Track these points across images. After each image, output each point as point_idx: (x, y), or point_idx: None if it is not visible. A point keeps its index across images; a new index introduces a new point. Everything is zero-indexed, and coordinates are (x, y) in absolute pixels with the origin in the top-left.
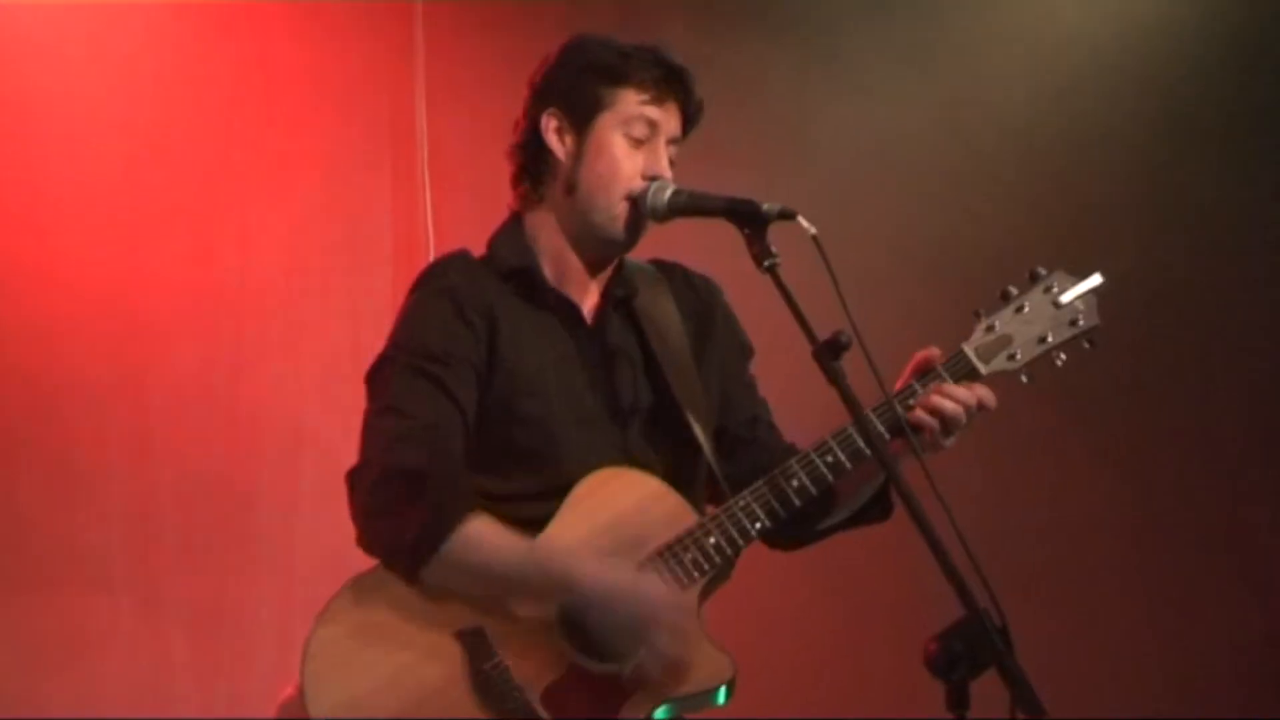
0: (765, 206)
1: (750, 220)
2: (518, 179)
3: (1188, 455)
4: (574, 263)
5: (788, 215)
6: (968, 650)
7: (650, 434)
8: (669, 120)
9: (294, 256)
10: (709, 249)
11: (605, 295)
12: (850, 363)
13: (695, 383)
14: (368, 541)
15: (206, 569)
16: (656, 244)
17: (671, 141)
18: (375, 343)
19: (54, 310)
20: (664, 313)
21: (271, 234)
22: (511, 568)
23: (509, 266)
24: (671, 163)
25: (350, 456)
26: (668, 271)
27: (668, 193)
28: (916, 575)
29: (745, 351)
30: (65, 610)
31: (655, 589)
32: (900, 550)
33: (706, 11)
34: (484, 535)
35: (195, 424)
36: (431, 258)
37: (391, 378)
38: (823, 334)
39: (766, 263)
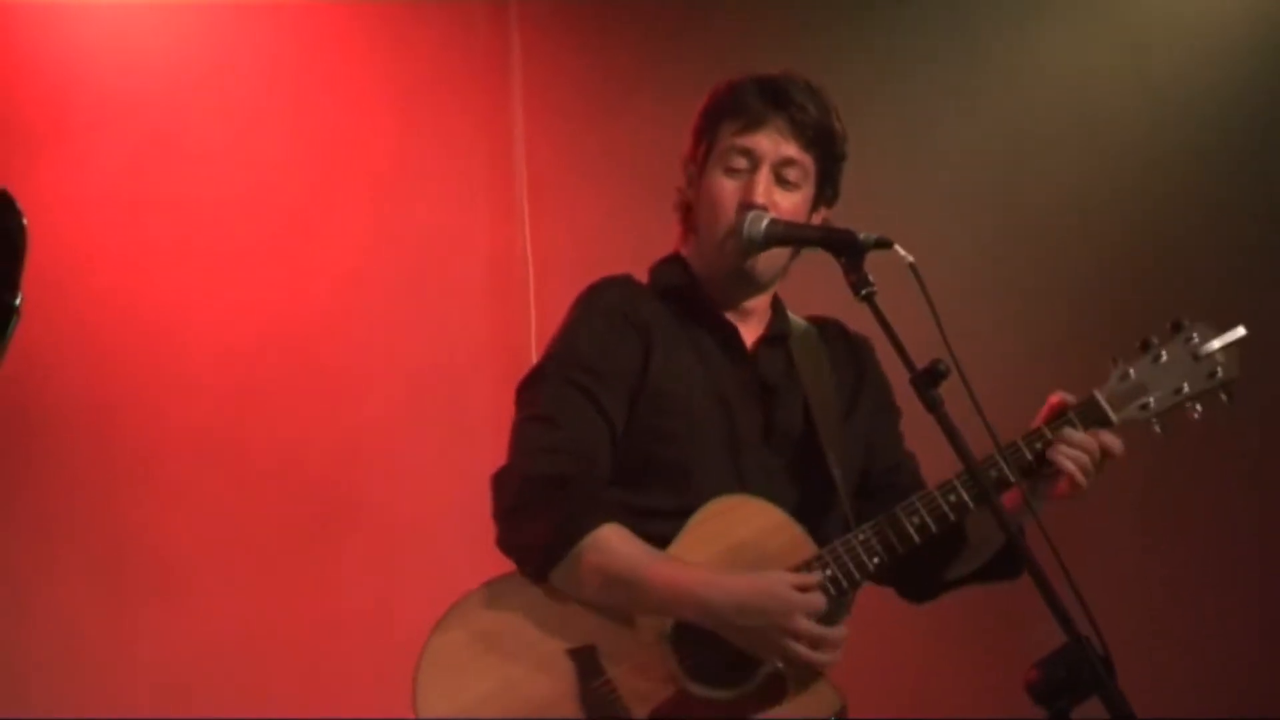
0: (862, 235)
1: (847, 249)
2: (679, 224)
3: None
4: (714, 297)
5: (884, 244)
6: (1070, 678)
7: (790, 468)
8: (771, 144)
9: (388, 279)
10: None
11: (765, 331)
12: (947, 390)
13: (840, 432)
14: (505, 540)
15: (303, 589)
16: None
17: (785, 164)
18: (467, 368)
19: (149, 340)
20: (817, 363)
21: (365, 258)
22: (638, 576)
23: (668, 284)
24: (793, 184)
25: (444, 478)
26: (824, 327)
27: (764, 222)
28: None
29: (894, 411)
30: (162, 624)
31: (785, 591)
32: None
33: (754, 46)
34: (615, 542)
35: (291, 445)
36: (529, 270)
37: (544, 388)
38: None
39: (864, 291)
